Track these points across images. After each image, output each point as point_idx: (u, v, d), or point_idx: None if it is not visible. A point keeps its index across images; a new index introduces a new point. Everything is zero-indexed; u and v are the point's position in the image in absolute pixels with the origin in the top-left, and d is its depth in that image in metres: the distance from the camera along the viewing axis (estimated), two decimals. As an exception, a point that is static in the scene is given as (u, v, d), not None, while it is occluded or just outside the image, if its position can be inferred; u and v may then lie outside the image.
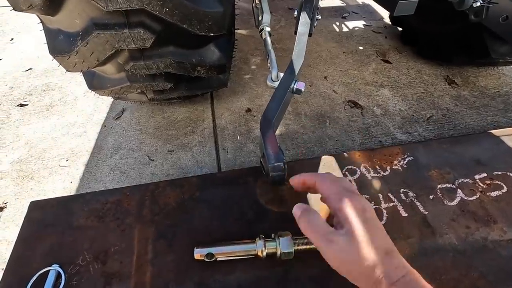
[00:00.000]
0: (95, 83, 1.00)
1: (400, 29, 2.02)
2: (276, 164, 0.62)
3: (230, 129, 1.37)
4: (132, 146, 1.30)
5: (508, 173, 0.78)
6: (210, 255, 0.57)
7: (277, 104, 0.72)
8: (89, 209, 0.70)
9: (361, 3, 2.46)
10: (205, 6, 0.75)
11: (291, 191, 0.74)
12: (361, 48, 1.92)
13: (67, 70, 0.87)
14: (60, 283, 0.57)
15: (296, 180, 0.59)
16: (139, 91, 1.04)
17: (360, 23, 2.18)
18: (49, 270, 0.59)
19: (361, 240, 0.42)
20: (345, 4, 2.44)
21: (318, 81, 1.66)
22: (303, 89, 0.78)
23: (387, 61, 1.80)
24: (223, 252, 0.58)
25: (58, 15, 0.73)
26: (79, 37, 0.75)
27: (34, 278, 0.58)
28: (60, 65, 0.88)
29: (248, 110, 1.47)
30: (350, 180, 0.76)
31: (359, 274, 0.42)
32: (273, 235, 0.61)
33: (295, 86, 0.78)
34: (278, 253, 0.58)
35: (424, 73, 1.70)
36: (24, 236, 0.66)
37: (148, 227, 0.67)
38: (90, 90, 1.06)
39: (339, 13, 2.31)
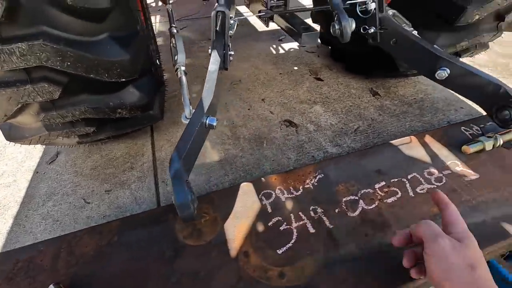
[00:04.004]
0: (12, 134, 0.98)
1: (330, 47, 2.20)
2: (181, 202, 0.66)
3: (170, 161, 1.39)
4: (66, 191, 1.27)
5: (403, 179, 0.88)
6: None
7: (186, 142, 0.76)
8: (-1, 271, 0.68)
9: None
10: (109, 56, 0.79)
11: (208, 224, 0.78)
12: (296, 68, 2.06)
13: (-25, 126, 0.85)
14: None
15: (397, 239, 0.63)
16: (65, 136, 1.04)
17: (295, 45, 2.34)
18: None
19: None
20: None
21: (256, 103, 1.74)
22: (215, 124, 0.84)
23: (319, 79, 1.94)
24: None
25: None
26: (-19, 96, 0.74)
27: None
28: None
29: (189, 139, 1.51)
30: (265, 204, 0.82)
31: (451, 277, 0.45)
32: None
33: (207, 122, 0.83)
34: None
35: (352, 87, 1.87)
36: None
37: (63, 281, 0.66)
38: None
39: (276, 36, 2.47)
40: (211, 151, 1.46)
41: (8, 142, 1.50)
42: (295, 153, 1.44)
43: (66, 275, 0.67)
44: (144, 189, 1.27)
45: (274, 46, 2.34)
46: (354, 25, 0.87)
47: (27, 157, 1.42)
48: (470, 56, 1.55)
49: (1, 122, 0.83)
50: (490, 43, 2.32)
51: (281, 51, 2.28)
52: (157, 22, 2.82)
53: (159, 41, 2.40)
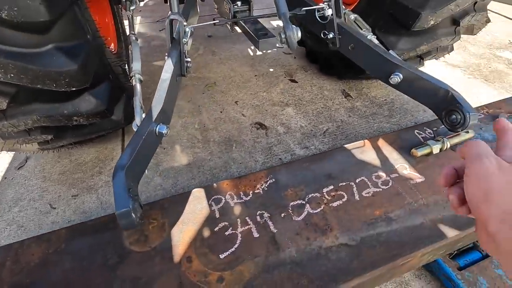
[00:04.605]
0: (-31, 142, 0.98)
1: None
2: (121, 211, 0.67)
3: (139, 165, 1.40)
4: (33, 196, 1.28)
5: (350, 183, 0.91)
6: None
7: (132, 150, 0.77)
8: None
9: (276, 26, 2.67)
10: (56, 66, 0.80)
11: (155, 230, 0.80)
12: (271, 70, 2.08)
13: None
14: None
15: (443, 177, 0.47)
16: (24, 143, 1.05)
17: (272, 46, 2.35)
18: None
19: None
20: (260, 29, 2.61)
21: (229, 106, 1.76)
22: (164, 132, 0.85)
23: (293, 81, 1.96)
24: None
25: None
26: None
27: None
28: None
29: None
30: (214, 210, 0.84)
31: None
32: None
33: (156, 130, 0.85)
34: None
35: (325, 89, 1.89)
36: None
37: (5, 289, 0.68)
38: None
39: (254, 38, 2.47)
40: (180, 155, 1.47)
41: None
42: (263, 155, 1.46)
43: (9, 284, 0.69)
44: (110, 194, 1.28)
45: (252, 47, 2.35)
46: (299, 34, 0.89)
47: (-5, 162, 1.42)
48: (435, 59, 1.58)
49: (-49, 132, 0.84)
50: (465, 43, 2.37)
51: (259, 52, 2.29)
52: (137, 24, 2.81)
53: (139, 43, 2.40)
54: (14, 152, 1.47)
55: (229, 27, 1.43)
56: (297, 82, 1.95)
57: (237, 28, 1.53)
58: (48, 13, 0.72)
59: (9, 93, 0.79)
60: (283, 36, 0.90)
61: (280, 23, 0.94)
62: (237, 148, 1.49)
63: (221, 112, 1.72)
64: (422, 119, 1.65)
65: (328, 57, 1.84)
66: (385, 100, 1.80)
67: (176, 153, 1.48)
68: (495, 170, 0.37)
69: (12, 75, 0.74)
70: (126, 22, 1.85)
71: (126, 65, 1.50)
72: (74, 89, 0.87)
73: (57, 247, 0.75)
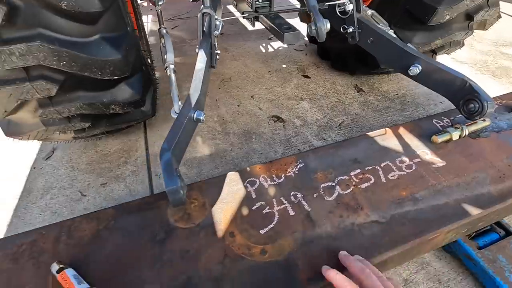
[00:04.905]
0: (11, 129, 1.03)
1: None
2: (171, 188, 0.72)
3: (163, 155, 1.45)
4: (63, 185, 1.32)
5: (376, 167, 0.96)
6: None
7: (175, 134, 0.82)
8: (4, 254, 0.74)
9: (285, 24, 2.72)
10: (102, 55, 0.85)
11: (197, 208, 0.85)
12: (284, 66, 2.14)
13: (-23, 122, 0.90)
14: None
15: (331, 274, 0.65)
16: (62, 131, 1.10)
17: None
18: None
19: None
20: (270, 26, 2.67)
21: (245, 100, 1.81)
22: (202, 117, 0.91)
23: (306, 76, 2.02)
24: None
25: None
26: (-17, 93, 0.80)
27: None
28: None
29: (181, 134, 1.57)
30: (249, 191, 0.89)
31: None
32: None
33: (194, 116, 0.90)
34: None
35: (338, 84, 1.95)
36: None
37: (64, 260, 0.73)
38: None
39: (265, 35, 2.53)
40: (202, 146, 1.52)
41: (3, 137, 1.55)
42: (282, 146, 1.51)
43: (67, 256, 0.74)
44: (138, 182, 1.33)
45: (264, 44, 2.41)
46: (328, 26, 0.94)
47: (24, 153, 1.47)
48: (447, 54, 1.63)
49: (1, 118, 0.88)
50: (472, 41, 2.43)
51: (270, 49, 2.35)
52: (149, 22, 2.86)
53: (151, 40, 2.45)
54: (40, 143, 1.52)
55: (250, 23, 1.48)
56: (310, 78, 2.01)
57: (256, 24, 1.58)
58: (101, 4, 0.77)
59: (59, 80, 0.84)
60: (313, 27, 0.96)
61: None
62: (256, 140, 1.55)
63: (238, 106, 1.77)
64: (434, 112, 1.71)
65: (340, 53, 1.90)
66: (397, 94, 1.85)
67: (198, 144, 1.53)
68: None
69: (64, 62, 0.79)
70: (144, 19, 1.90)
71: (149, 59, 1.55)
72: (116, 77, 0.92)
73: (106, 224, 0.80)
